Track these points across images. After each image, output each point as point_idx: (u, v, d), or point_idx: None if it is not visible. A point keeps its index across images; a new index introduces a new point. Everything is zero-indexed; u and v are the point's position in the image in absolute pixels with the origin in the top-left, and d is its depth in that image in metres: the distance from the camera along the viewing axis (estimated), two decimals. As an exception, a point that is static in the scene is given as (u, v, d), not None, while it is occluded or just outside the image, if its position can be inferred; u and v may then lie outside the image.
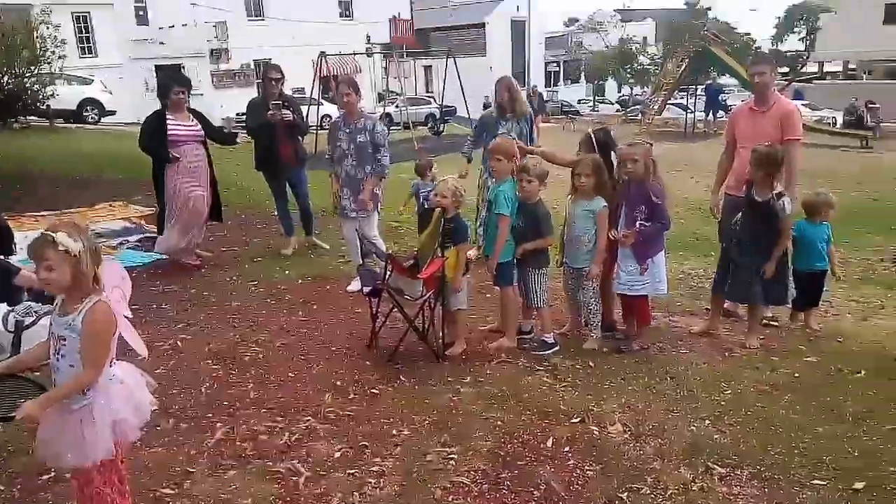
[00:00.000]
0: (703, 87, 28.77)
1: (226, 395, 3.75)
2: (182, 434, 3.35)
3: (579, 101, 42.97)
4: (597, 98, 45.04)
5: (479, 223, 5.45)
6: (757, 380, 3.99)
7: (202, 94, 30.25)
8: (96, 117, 21.05)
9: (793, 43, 36.91)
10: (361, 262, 5.16)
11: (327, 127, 6.11)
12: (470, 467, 3.06)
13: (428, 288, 4.21)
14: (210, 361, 4.19)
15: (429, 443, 3.26)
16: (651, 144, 4.39)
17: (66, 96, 18.83)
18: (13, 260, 4.72)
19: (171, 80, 6.11)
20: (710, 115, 26.90)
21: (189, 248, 6.16)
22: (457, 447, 3.22)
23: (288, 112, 6.25)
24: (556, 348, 4.34)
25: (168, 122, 5.81)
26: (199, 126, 6.03)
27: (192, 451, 3.20)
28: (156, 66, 29.76)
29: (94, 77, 22.01)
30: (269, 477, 2.99)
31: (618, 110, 39.57)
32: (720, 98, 27.60)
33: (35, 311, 4.24)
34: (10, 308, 4.22)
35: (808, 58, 37.23)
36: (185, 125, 5.90)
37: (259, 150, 6.44)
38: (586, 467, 3.07)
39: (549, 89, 45.10)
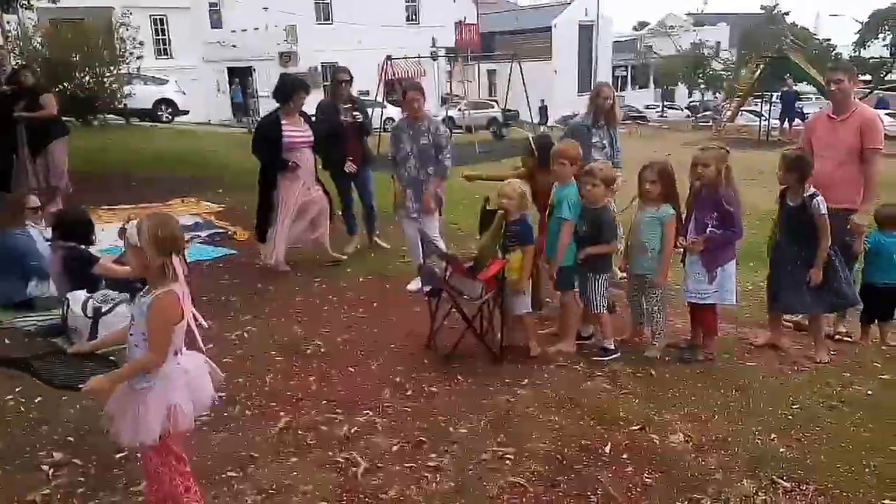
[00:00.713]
0: (780, 93, 27.77)
1: (289, 386, 3.86)
2: (247, 421, 3.47)
3: (647, 106, 42.18)
4: (665, 103, 44.12)
5: None
6: (827, 395, 3.84)
7: (270, 96, 31.23)
8: (170, 117, 21.92)
9: (877, 49, 35.33)
10: (422, 262, 5.21)
11: (390, 129, 6.15)
12: (526, 468, 3.06)
13: (487, 289, 4.22)
14: (274, 353, 4.31)
15: (485, 442, 3.27)
16: (727, 150, 4.28)
17: (142, 95, 19.70)
18: (93, 250, 4.97)
19: (297, 85, 5.92)
20: (786, 122, 25.94)
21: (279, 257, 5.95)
22: (513, 448, 3.22)
23: (359, 114, 6.37)
24: (617, 355, 4.28)
25: (283, 127, 5.75)
26: (310, 131, 5.95)
27: (256, 437, 3.30)
28: (228, 68, 30.85)
29: (168, 78, 22.93)
30: (329, 466, 3.06)
31: (687, 116, 38.69)
32: (797, 105, 26.58)
33: (112, 299, 4.47)
34: (89, 295, 4.46)
35: (893, 65, 35.57)
36: (298, 130, 5.85)
37: (328, 150, 6.58)
38: (645, 475, 3.02)
39: (617, 94, 44.44)
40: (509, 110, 26.76)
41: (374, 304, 5.27)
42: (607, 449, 3.23)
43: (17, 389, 3.69)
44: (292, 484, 2.93)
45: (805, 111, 25.17)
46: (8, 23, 16.30)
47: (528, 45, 37.27)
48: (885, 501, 2.85)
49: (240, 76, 30.64)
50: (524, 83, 21.59)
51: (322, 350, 4.36)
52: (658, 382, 3.96)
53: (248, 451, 3.17)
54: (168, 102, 22.07)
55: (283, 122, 5.78)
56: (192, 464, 3.03)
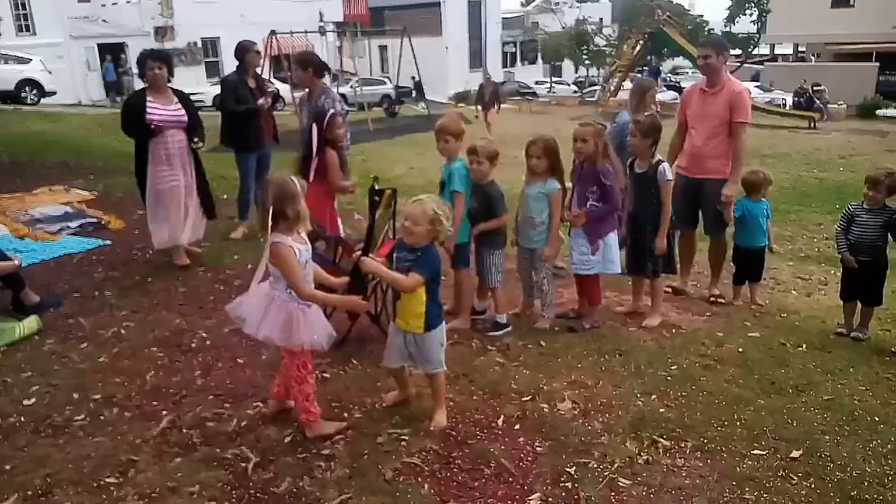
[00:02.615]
0: (641, 69, 29.04)
1: (171, 382, 3.67)
2: (126, 423, 3.27)
3: (536, 82, 43.07)
4: (554, 79, 45.20)
5: None
6: (702, 355, 4.08)
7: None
8: (35, 98, 20.33)
9: (745, 25, 37.62)
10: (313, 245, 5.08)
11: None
12: (421, 448, 3.06)
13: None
14: (155, 349, 4.09)
15: (380, 425, 3.25)
16: (604, 126, 4.41)
17: (2, 76, 18.19)
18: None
19: (145, 56, 5.40)
20: None
21: (178, 245, 5.59)
22: (408, 428, 3.21)
23: (274, 92, 6.24)
24: (509, 329, 4.36)
25: (148, 103, 5.26)
26: (183, 110, 5.43)
27: (136, 439, 3.12)
28: (98, 44, 28.76)
29: (32, 56, 21.17)
30: (217, 463, 2.94)
31: (574, 91, 39.83)
32: (659, 79, 27.82)
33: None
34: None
35: (759, 40, 38.02)
36: (165, 108, 5.33)
37: (242, 129, 6.27)
38: (536, 444, 3.10)
39: (506, 70, 45.07)
40: (402, 87, 26.60)
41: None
42: (500, 421, 3.29)
43: None
44: (177, 485, 2.79)
45: (682, 85, 26.56)
46: None
47: (417, 21, 36.98)
48: (754, 451, 3.06)
49: (112, 53, 28.58)
50: (415, 59, 21.48)
51: (207, 343, 4.18)
52: (547, 353, 4.06)
53: (128, 455, 3.00)
54: (32, 83, 20.43)
55: (148, 98, 5.30)
56: (66, 472, 2.87)
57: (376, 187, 4.66)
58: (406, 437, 3.15)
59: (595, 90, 34.20)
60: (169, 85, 5.45)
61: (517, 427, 3.25)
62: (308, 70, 5.58)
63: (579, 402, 3.46)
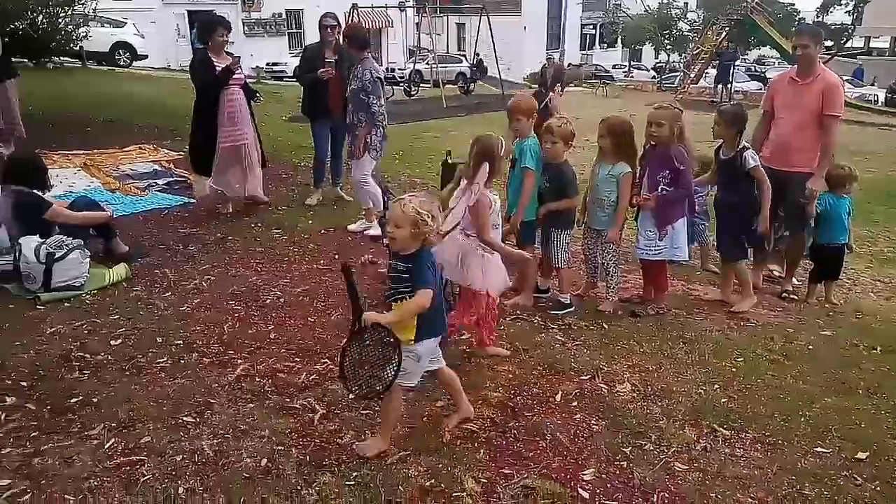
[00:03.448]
0: (719, 56, 27.63)
1: (247, 334, 3.86)
2: (204, 368, 3.47)
3: (614, 66, 42.09)
4: (632, 64, 44.05)
5: None
6: (770, 349, 4.00)
7: (233, 42, 30.17)
8: (128, 61, 21.21)
9: (839, 16, 35.71)
10: (382, 212, 5.25)
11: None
12: (479, 415, 3.13)
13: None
14: (233, 302, 4.30)
15: (441, 390, 3.32)
16: (681, 110, 4.34)
17: (99, 38, 19.01)
18: (48, 196, 4.85)
19: (216, 21, 5.99)
20: (721, 86, 25.59)
21: (242, 193, 6.20)
22: (468, 396, 3.26)
23: (330, 70, 6.31)
24: (572, 309, 4.38)
25: (214, 63, 5.76)
26: (240, 72, 6.01)
27: (213, 384, 3.31)
28: (188, 11, 29.73)
29: (126, 20, 22.09)
30: (286, 412, 3.10)
31: (653, 77, 38.73)
32: (732, 69, 26.35)
33: (66, 244, 4.39)
34: (41, 240, 4.36)
35: (853, 32, 36.06)
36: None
37: (314, 96, 6.52)
38: (592, 422, 3.13)
39: (584, 52, 44.20)
40: (475, 66, 26.50)
41: (336, 256, 5.26)
42: (557, 397, 3.33)
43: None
44: (248, 430, 2.95)
45: (767, 75, 25.35)
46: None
47: (497, -1, 36.65)
48: (818, 449, 3.00)
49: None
50: (493, 37, 21.34)
51: (281, 300, 4.36)
52: (609, 335, 4.06)
53: (205, 398, 3.19)
54: (126, 46, 21.33)
55: (212, 58, 5.80)
56: (147, 409, 3.07)
57: (449, 161, 4.74)
58: (465, 404, 3.22)
59: (675, 76, 33.17)
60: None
61: (574, 404, 3.28)
62: (346, 41, 5.87)
63: (639, 386, 3.46)
